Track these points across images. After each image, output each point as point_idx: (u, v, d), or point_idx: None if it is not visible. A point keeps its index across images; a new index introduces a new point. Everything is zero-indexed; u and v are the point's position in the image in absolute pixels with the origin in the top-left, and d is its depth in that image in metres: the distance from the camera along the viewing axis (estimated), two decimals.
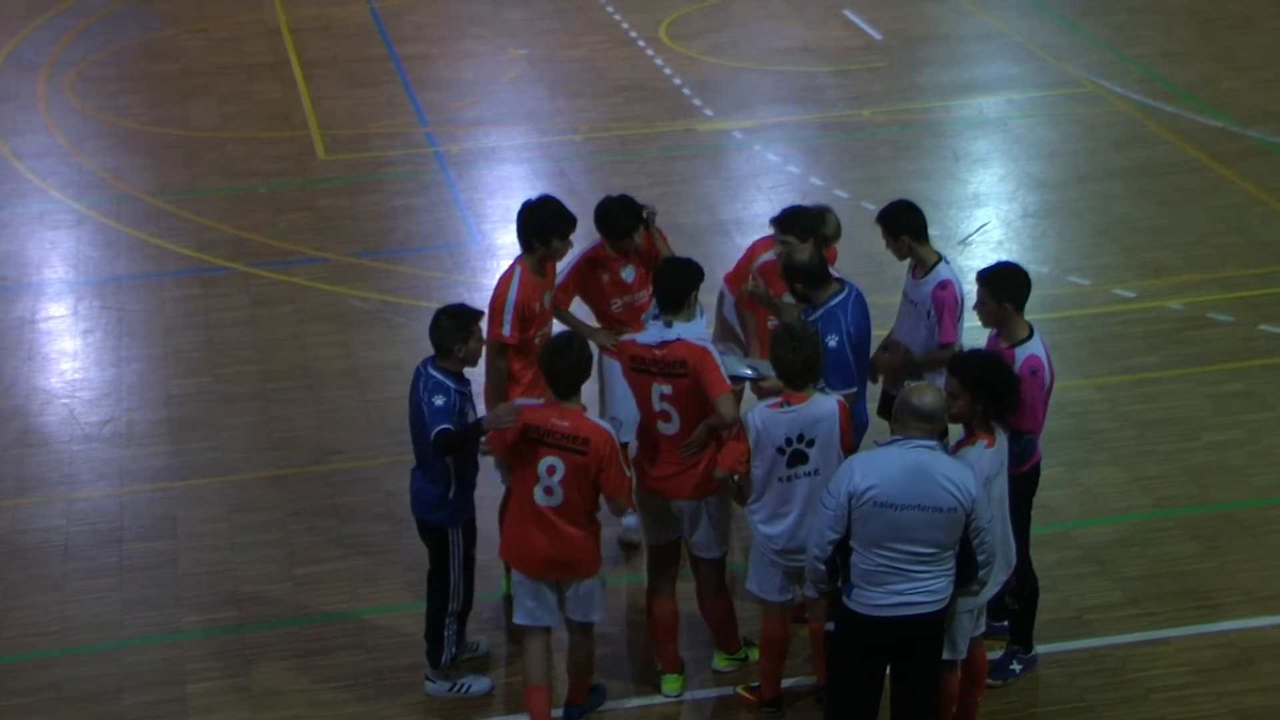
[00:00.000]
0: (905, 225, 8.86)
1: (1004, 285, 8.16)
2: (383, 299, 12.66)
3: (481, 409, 8.55)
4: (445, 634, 8.57)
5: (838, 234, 9.44)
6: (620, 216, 9.13)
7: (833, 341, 8.25)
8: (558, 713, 8.39)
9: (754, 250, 9.61)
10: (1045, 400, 8.15)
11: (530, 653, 8.20)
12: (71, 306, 12.80)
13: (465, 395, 8.22)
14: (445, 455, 8.14)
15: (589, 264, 9.23)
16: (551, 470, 7.84)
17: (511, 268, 8.98)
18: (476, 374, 8.50)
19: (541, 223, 8.88)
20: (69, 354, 12.11)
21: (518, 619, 8.22)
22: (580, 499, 7.90)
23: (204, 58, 17.81)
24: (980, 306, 8.23)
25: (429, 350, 8.35)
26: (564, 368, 7.83)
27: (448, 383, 8.14)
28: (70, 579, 9.62)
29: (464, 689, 8.72)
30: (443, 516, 8.38)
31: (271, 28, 18.65)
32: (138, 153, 15.44)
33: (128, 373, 11.82)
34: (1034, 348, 8.11)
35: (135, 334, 12.33)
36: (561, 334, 8.33)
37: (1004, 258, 13.10)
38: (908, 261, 9.05)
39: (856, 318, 8.43)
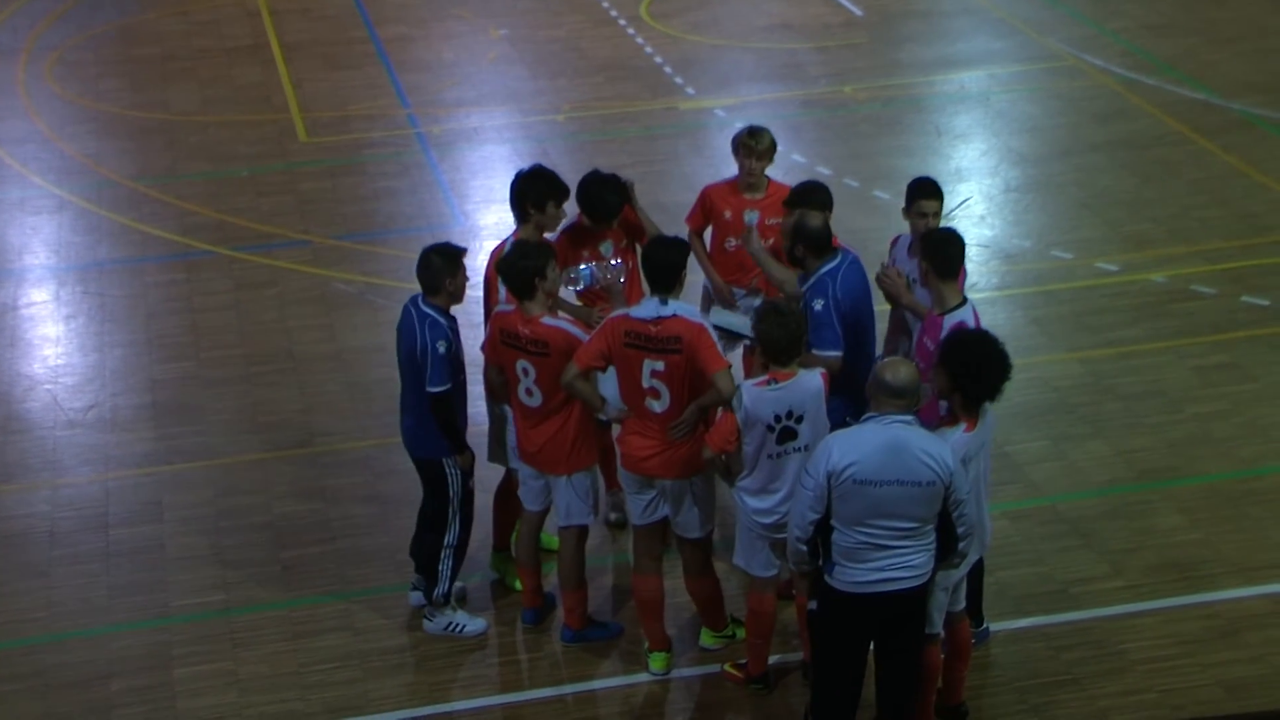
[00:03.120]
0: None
1: (928, 248, 8.25)
2: (366, 281, 12.64)
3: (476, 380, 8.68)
4: (441, 568, 8.72)
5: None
6: (609, 196, 9.12)
7: (818, 305, 8.29)
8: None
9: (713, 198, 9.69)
10: None
11: (521, 534, 8.88)
12: (54, 292, 12.77)
13: (455, 331, 8.53)
14: (437, 413, 8.41)
15: (569, 241, 9.21)
16: (525, 372, 8.36)
17: (504, 241, 8.99)
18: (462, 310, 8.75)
19: (538, 190, 8.92)
20: (51, 340, 12.08)
21: (521, 497, 8.83)
22: (550, 397, 8.35)
23: (184, 41, 17.74)
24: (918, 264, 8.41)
25: None
26: (525, 269, 8.28)
27: (443, 321, 8.44)
28: (56, 565, 9.61)
29: (458, 629, 8.84)
30: (437, 448, 8.55)
31: (251, 10, 18.58)
32: (118, 137, 15.39)
33: (111, 358, 11.79)
34: (963, 314, 8.14)
35: (118, 319, 12.31)
36: (521, 241, 8.67)
37: (987, 232, 13.18)
38: (900, 236, 9.06)
39: (847, 284, 8.43)
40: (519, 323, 8.32)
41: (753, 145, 9.51)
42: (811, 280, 8.47)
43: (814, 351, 8.23)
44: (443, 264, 8.45)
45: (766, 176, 9.65)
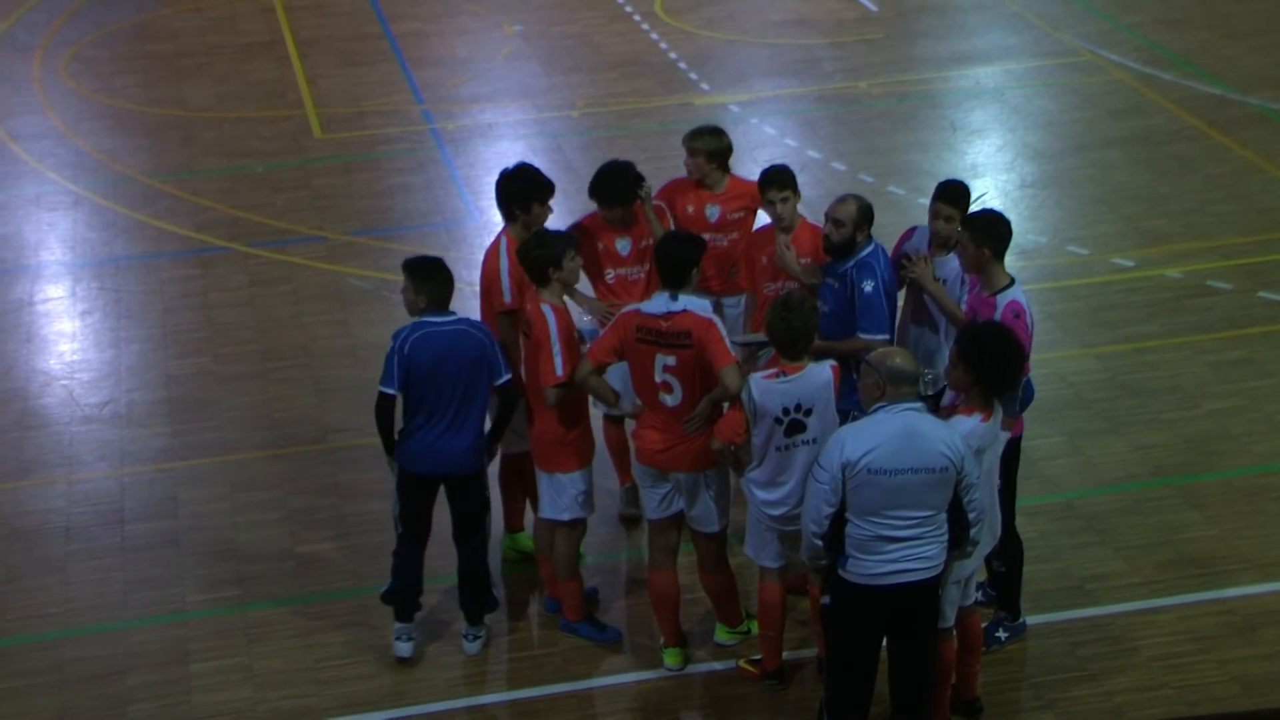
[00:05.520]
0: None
1: (985, 230, 8.21)
2: (381, 277, 12.65)
3: None
4: (486, 571, 8.71)
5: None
6: (617, 180, 9.12)
7: (868, 287, 8.33)
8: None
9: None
10: (1029, 344, 8.14)
11: (537, 522, 8.89)
12: (69, 288, 12.79)
13: None
14: (513, 402, 8.49)
15: (582, 231, 9.18)
16: (523, 349, 8.57)
17: (497, 239, 9.01)
18: None
19: (521, 190, 8.93)
20: (67, 336, 12.10)
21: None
22: (531, 381, 8.45)
23: (199, 37, 17.77)
24: (960, 248, 8.32)
25: None
26: (540, 258, 8.39)
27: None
28: (72, 560, 9.63)
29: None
30: (480, 462, 8.55)
31: (266, 6, 18.61)
32: (134, 134, 15.42)
33: (127, 353, 11.82)
34: (1015, 293, 8.17)
35: (134, 315, 12.33)
36: (541, 230, 8.71)
37: None
38: (916, 229, 9.06)
39: (888, 268, 8.57)
40: (531, 300, 8.47)
41: (691, 144, 9.53)
42: (853, 263, 8.50)
43: (862, 335, 8.20)
44: (450, 277, 8.49)
45: (727, 174, 9.61)
